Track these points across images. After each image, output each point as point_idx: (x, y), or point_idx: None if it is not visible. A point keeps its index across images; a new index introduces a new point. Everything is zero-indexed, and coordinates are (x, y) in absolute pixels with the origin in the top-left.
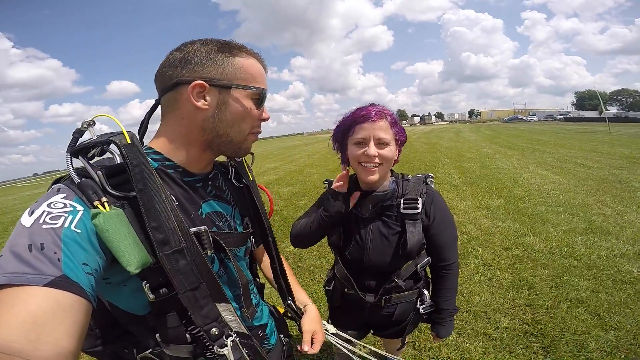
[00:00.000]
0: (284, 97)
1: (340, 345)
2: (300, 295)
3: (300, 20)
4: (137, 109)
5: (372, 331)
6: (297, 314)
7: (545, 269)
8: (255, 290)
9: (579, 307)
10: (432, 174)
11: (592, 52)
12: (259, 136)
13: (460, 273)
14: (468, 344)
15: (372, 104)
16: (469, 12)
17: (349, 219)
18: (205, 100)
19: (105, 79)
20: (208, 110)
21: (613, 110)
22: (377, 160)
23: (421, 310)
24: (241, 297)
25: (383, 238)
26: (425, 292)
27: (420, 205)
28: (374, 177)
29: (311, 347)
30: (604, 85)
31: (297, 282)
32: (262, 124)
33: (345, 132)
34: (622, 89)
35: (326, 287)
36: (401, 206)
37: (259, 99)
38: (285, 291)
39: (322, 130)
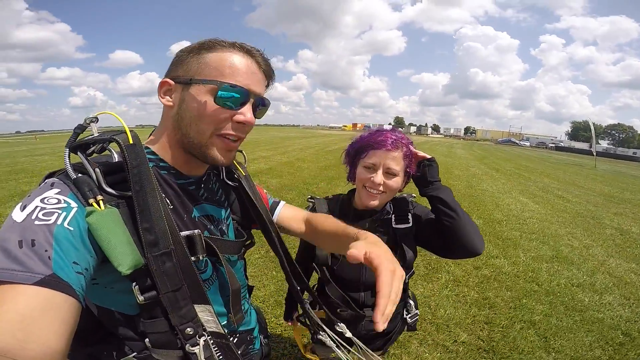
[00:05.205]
0: (285, 87)
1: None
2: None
3: (314, 11)
4: (137, 80)
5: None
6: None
7: (509, 290)
8: (247, 295)
9: (530, 329)
10: (414, 194)
11: (599, 83)
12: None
13: (430, 286)
14: (427, 354)
15: (393, 129)
16: (488, 29)
17: None
18: (171, 98)
19: (109, 47)
20: (174, 108)
21: (604, 144)
22: (381, 188)
23: (408, 320)
24: (230, 303)
25: None
26: (411, 302)
27: (411, 221)
28: (375, 202)
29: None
30: (602, 118)
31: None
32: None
33: (359, 151)
34: (618, 123)
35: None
36: (393, 222)
37: (225, 95)
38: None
39: (318, 125)
